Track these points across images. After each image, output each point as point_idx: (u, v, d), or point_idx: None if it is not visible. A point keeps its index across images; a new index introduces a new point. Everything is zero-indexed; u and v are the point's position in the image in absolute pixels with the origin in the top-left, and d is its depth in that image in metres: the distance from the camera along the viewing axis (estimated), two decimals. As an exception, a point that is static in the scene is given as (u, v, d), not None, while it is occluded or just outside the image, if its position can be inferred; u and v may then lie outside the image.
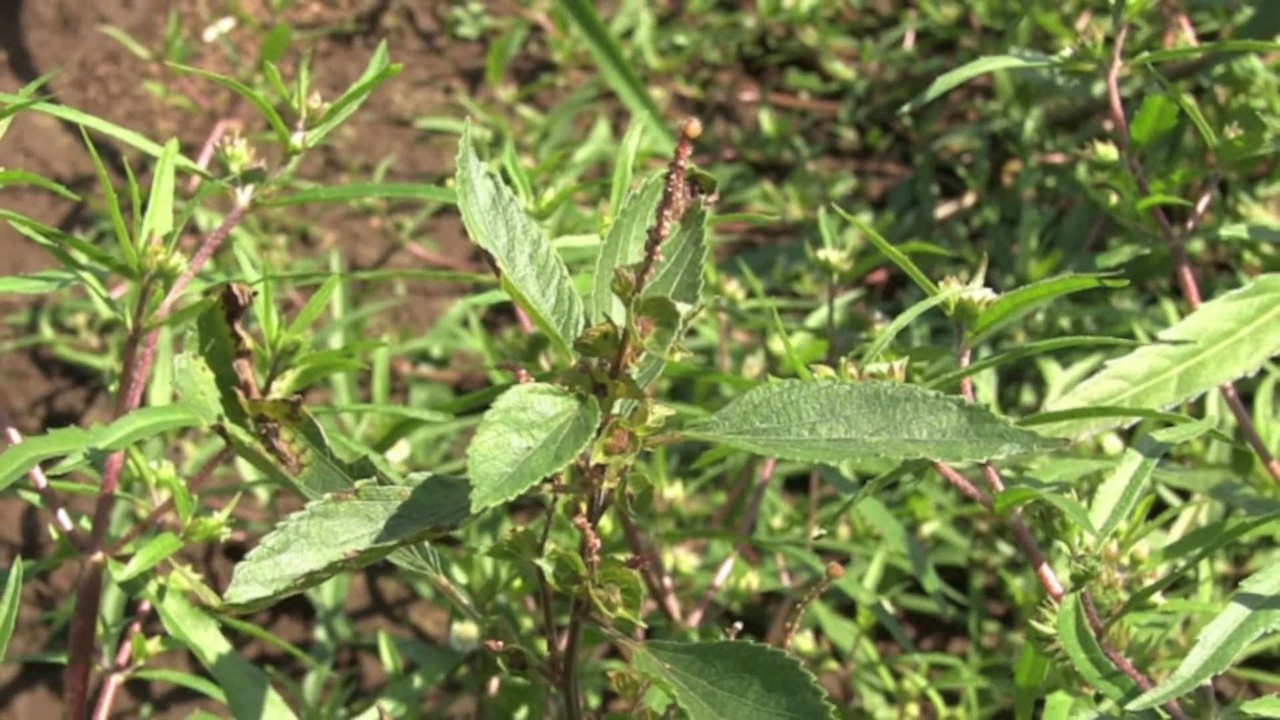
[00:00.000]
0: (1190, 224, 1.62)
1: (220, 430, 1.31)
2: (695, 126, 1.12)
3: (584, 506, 1.24)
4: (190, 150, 2.73)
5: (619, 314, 1.21)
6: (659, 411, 1.23)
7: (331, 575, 1.22)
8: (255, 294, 1.38)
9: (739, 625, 1.39)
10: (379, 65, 1.52)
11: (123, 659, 1.60)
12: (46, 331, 2.57)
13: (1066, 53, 1.60)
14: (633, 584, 1.25)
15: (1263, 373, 2.00)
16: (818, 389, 1.27)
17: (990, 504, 1.41)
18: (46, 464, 1.46)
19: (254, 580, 1.23)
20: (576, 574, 1.25)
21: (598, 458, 1.22)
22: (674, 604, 1.92)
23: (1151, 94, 1.57)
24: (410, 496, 1.26)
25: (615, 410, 1.21)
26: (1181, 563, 1.64)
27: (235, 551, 2.35)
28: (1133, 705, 1.33)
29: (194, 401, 1.35)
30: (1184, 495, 2.12)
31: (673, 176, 1.15)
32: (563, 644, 1.35)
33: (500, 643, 1.32)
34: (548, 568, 1.26)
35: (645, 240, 1.19)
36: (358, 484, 1.24)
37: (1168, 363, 1.54)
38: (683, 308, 1.20)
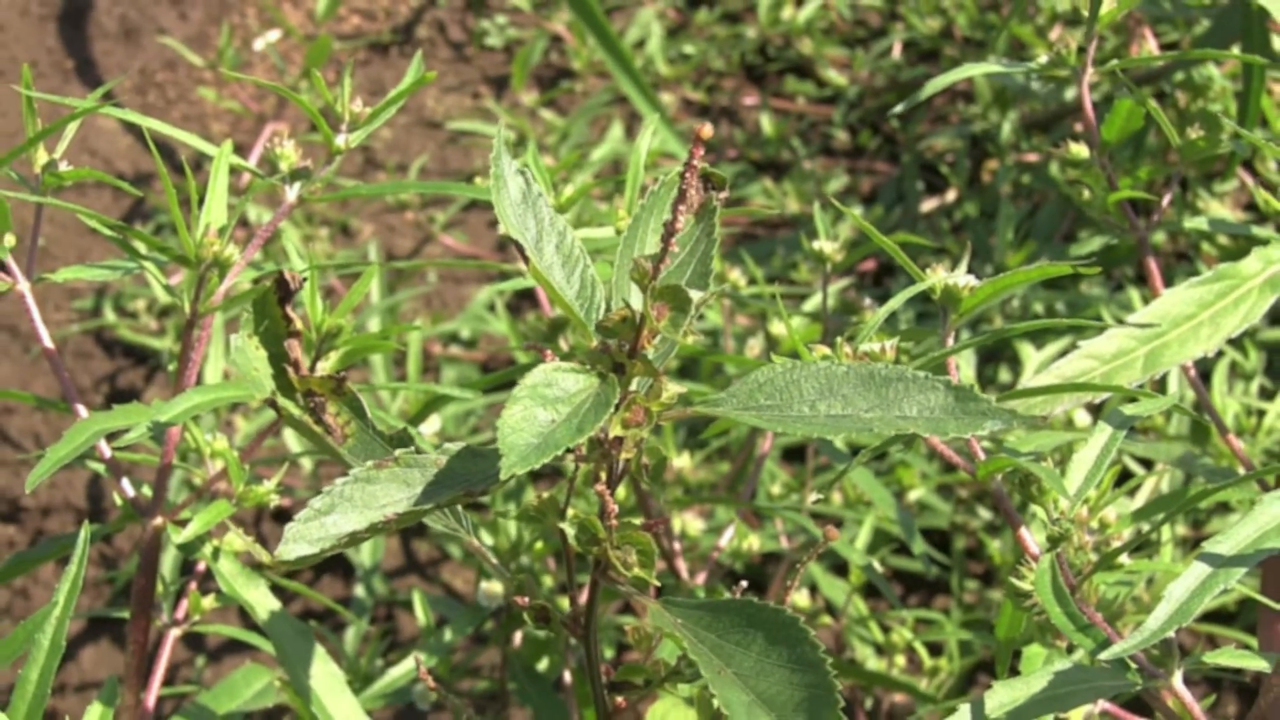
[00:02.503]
0: (1154, 217, 1.62)
1: (273, 403, 1.32)
2: (708, 130, 1.13)
3: (603, 475, 1.25)
4: (241, 150, 2.73)
5: (637, 299, 1.21)
6: (672, 389, 1.23)
7: (372, 535, 1.22)
8: (305, 280, 1.38)
9: (744, 584, 1.39)
10: (415, 73, 1.52)
11: (180, 615, 1.60)
12: (109, 315, 2.57)
13: (1043, 60, 1.60)
14: (647, 546, 1.25)
15: (1220, 353, 1.99)
16: (817, 369, 1.27)
17: (973, 472, 1.42)
18: (111, 436, 1.46)
19: (302, 539, 1.23)
20: (596, 537, 1.25)
21: (616, 430, 1.22)
22: (682, 564, 1.92)
23: (1121, 98, 1.58)
24: (445, 465, 1.26)
25: (632, 387, 1.21)
26: (1146, 526, 1.64)
27: (282, 516, 2.35)
28: (1104, 655, 1.34)
29: (249, 377, 1.35)
30: (1147, 465, 2.12)
31: (687, 175, 1.15)
32: (583, 600, 1.35)
33: (527, 599, 1.32)
34: (570, 531, 1.26)
35: (662, 232, 1.19)
36: (397, 453, 1.24)
37: (1134, 343, 1.54)
38: (695, 294, 1.20)
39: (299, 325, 1.35)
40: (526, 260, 1.24)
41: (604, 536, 1.24)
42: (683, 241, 1.31)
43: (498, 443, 1.16)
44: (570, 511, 1.27)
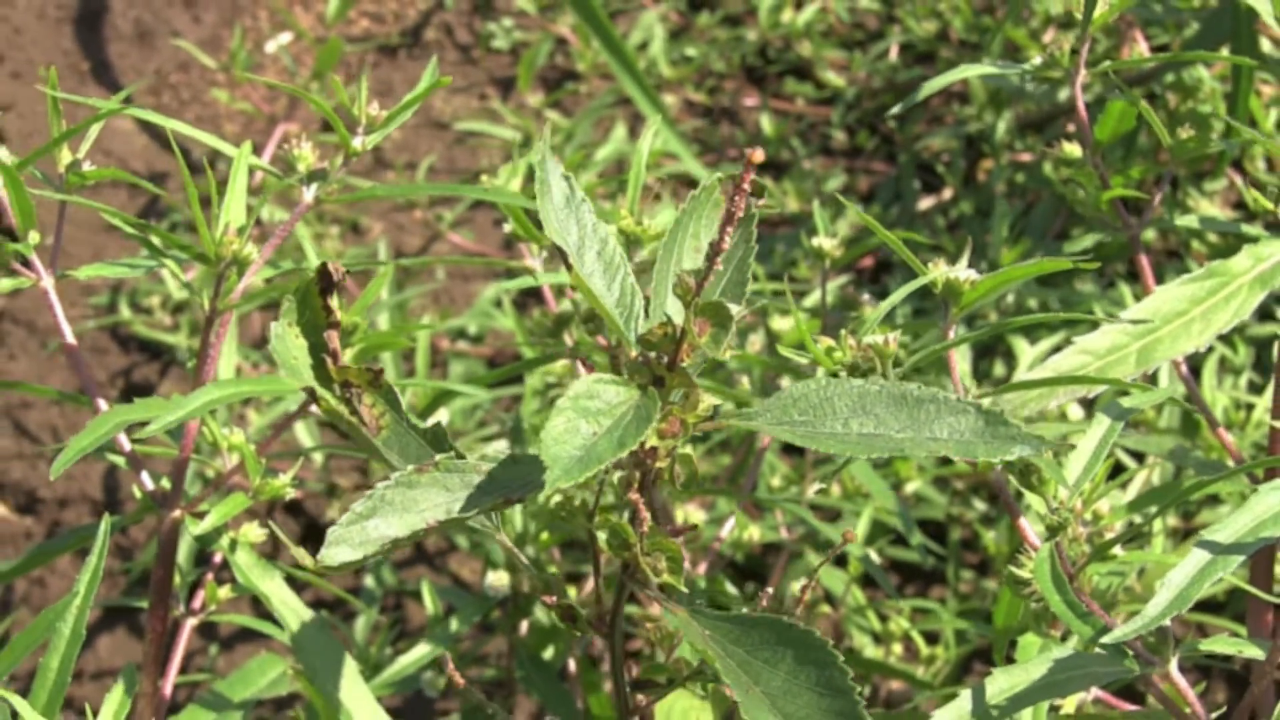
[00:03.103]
0: (1146, 215, 1.62)
1: (311, 392, 1.31)
2: (759, 155, 1.12)
3: (635, 483, 1.24)
4: (254, 150, 2.72)
5: (675, 309, 1.20)
6: (708, 401, 1.23)
7: (412, 541, 1.21)
8: (347, 273, 1.37)
9: (769, 590, 1.38)
10: (429, 78, 1.51)
11: (196, 604, 1.60)
12: (125, 311, 2.56)
13: (1037, 61, 1.60)
14: (676, 553, 1.24)
15: (1210, 348, 2.00)
16: (851, 387, 1.27)
17: (974, 462, 1.41)
18: (130, 430, 1.46)
19: (344, 543, 1.22)
20: (627, 542, 1.24)
21: (652, 441, 1.22)
22: (684, 555, 1.92)
23: (1113, 99, 1.58)
24: (488, 473, 1.25)
25: (671, 399, 1.21)
26: (1138, 518, 1.64)
27: (291, 508, 2.34)
28: (1105, 640, 1.34)
29: (288, 365, 1.34)
30: (1138, 457, 2.12)
31: (737, 196, 1.14)
32: (600, 594, 1.34)
33: (555, 599, 1.31)
34: (601, 535, 1.26)
35: (700, 244, 1.19)
36: (438, 458, 1.24)
37: (1128, 339, 1.54)
38: (735, 309, 1.19)
39: (339, 317, 1.35)
40: (569, 266, 1.23)
41: (635, 542, 1.23)
42: (729, 258, 1.31)
43: (541, 453, 1.15)
44: (599, 516, 1.27)
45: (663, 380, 1.20)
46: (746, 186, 1.15)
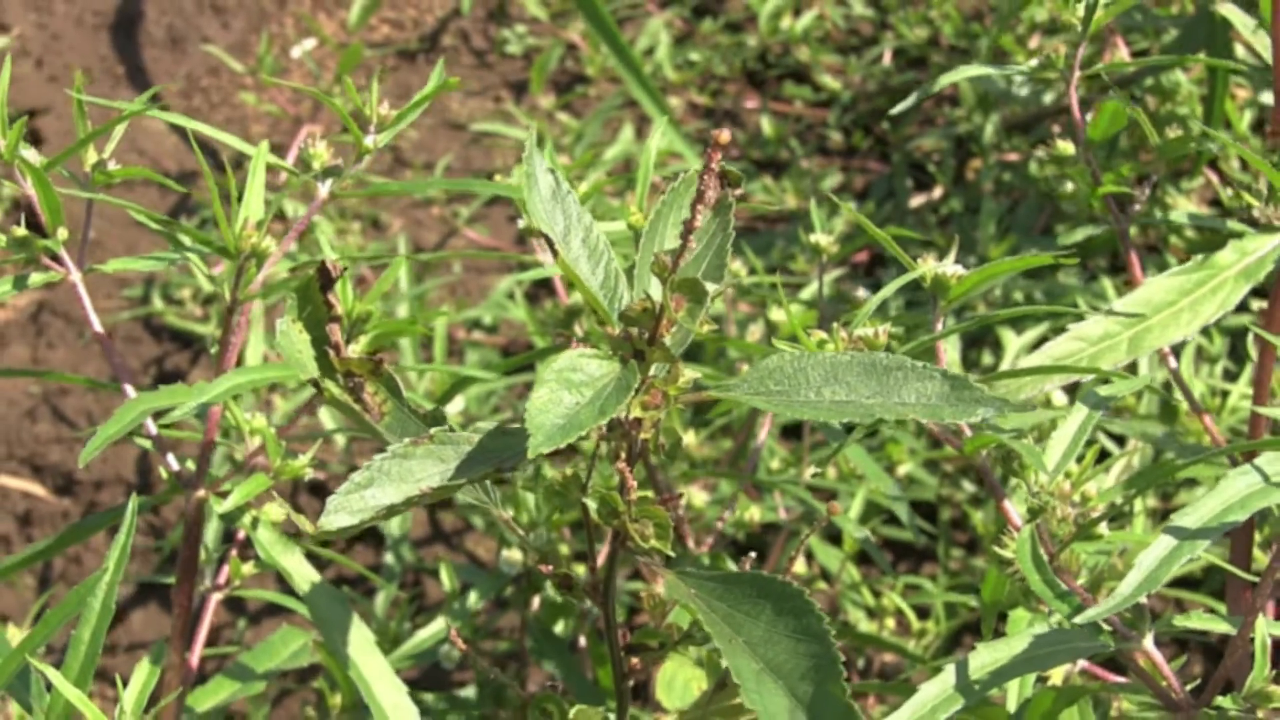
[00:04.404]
0: (1131, 211, 1.63)
1: (315, 383, 1.32)
2: (725, 135, 1.15)
3: (623, 454, 1.25)
4: (278, 150, 2.72)
5: (656, 290, 1.22)
6: (688, 374, 1.25)
7: (407, 508, 1.22)
8: (345, 269, 1.38)
9: (753, 555, 1.38)
10: (437, 80, 1.52)
11: (221, 580, 1.59)
12: (157, 303, 2.56)
13: (1033, 64, 1.60)
14: (663, 520, 1.26)
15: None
16: (822, 358, 1.28)
17: (960, 448, 1.42)
18: (158, 415, 1.46)
19: (343, 510, 1.24)
20: (616, 510, 1.26)
21: (635, 412, 1.23)
22: (689, 533, 1.91)
23: (1104, 100, 1.58)
24: (477, 443, 1.27)
25: (651, 372, 1.22)
26: (1120, 499, 1.64)
27: (316, 489, 2.34)
28: (1079, 618, 1.35)
29: (293, 358, 1.35)
30: (1120, 441, 2.11)
31: (705, 176, 1.17)
32: (600, 567, 1.36)
33: (551, 568, 1.32)
34: (592, 505, 1.27)
35: (681, 228, 1.20)
36: (432, 431, 1.25)
37: (1119, 328, 1.55)
38: (711, 287, 1.21)
39: (339, 311, 1.36)
40: (555, 253, 1.25)
41: (624, 510, 1.25)
42: (700, 236, 1.31)
43: (525, 423, 1.17)
44: (592, 487, 1.28)
45: (643, 354, 1.22)
46: (714, 166, 1.17)
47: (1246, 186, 1.58)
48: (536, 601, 1.89)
